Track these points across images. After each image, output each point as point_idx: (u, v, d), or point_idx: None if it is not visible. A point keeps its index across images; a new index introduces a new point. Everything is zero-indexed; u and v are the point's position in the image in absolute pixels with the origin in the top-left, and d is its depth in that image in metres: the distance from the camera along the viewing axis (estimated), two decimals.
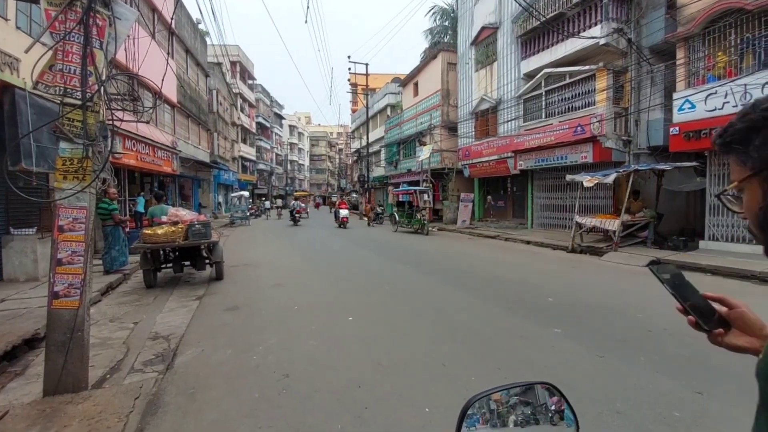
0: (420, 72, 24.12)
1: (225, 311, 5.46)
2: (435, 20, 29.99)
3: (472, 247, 12.38)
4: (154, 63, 13.54)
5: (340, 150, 76.95)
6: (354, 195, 41.95)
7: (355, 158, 42.95)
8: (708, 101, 9.21)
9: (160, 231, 6.52)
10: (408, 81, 26.13)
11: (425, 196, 18.04)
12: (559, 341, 4.18)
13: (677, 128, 9.75)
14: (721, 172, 9.46)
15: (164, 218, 6.94)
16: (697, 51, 9.85)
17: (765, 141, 0.62)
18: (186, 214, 7.13)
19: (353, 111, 44.00)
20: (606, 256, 9.47)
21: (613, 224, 9.94)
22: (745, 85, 8.56)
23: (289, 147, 59.97)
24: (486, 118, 18.14)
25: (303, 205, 24.90)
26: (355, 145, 41.33)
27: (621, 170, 10.15)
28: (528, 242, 12.58)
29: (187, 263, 7.48)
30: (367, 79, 30.23)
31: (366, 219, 18.07)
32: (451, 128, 21.03)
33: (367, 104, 30.81)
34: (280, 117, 57.05)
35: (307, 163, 72.50)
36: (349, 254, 10.92)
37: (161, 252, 7.26)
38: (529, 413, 0.76)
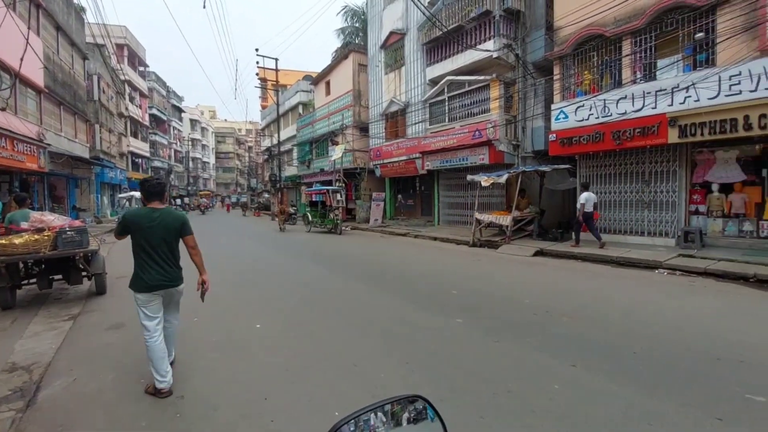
0: (332, 71, 23.98)
1: (107, 330, 4.78)
2: (346, 20, 30.07)
3: (384, 245, 12.72)
4: (11, 39, 11.31)
5: (250, 148, 72.88)
6: (266, 195, 40.13)
7: (266, 157, 41.06)
8: (577, 112, 10.76)
9: (18, 240, 5.45)
10: (320, 79, 25.80)
11: (338, 196, 18.02)
12: (461, 330, 4.51)
13: (555, 135, 11.23)
14: (588, 173, 11.16)
15: (24, 224, 5.82)
16: (570, 69, 11.43)
17: None
18: (54, 219, 6.06)
19: (263, 107, 42.00)
20: (501, 249, 10.52)
21: (505, 220, 11.08)
22: (605, 100, 10.19)
23: (190, 143, 54.85)
24: (396, 120, 18.77)
25: (206, 200, 27.35)
26: (266, 143, 39.51)
27: (511, 171, 11.36)
28: (435, 238, 13.37)
29: (59, 277, 6.39)
30: (277, 74, 29.08)
31: (277, 221, 17.31)
32: (363, 129, 21.33)
33: (277, 101, 29.64)
34: (179, 110, 51.92)
35: (212, 161, 67.17)
36: (258, 256, 10.42)
37: (21, 265, 6.08)
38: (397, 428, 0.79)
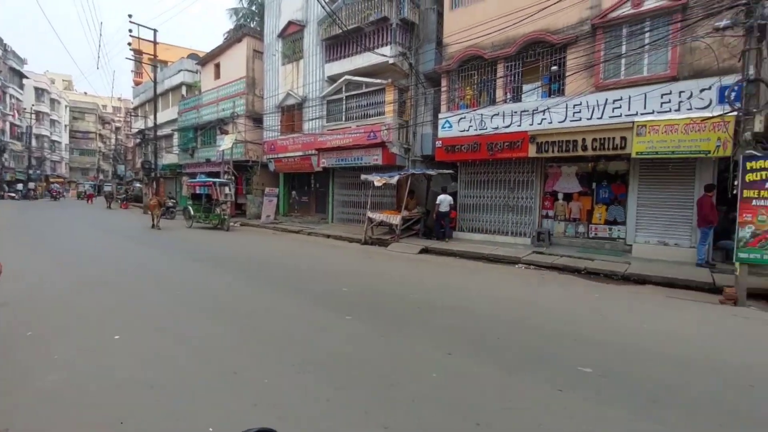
0: (223, 53, 22.09)
1: None
2: (241, 1, 28.00)
3: (275, 243, 12.26)
4: None
5: (118, 129, 62.77)
6: (137, 185, 35.02)
7: (138, 140, 35.80)
8: (460, 123, 11.90)
9: None
10: (208, 60, 23.53)
11: (227, 189, 16.74)
12: (351, 327, 4.62)
13: (440, 142, 12.23)
14: (467, 179, 12.45)
15: None
16: (455, 83, 12.56)
17: None
18: None
19: (136, 83, 36.48)
20: (390, 247, 11.07)
21: (395, 219, 11.71)
22: (482, 115, 11.47)
23: (34, 116, 44.71)
24: (292, 114, 18.21)
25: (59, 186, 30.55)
26: (139, 124, 34.47)
27: (402, 173, 12.03)
28: (328, 236, 13.40)
29: None
30: (155, 47, 25.54)
31: (151, 214, 15.12)
32: (257, 119, 20.19)
33: (155, 78, 26.07)
34: (19, 74, 42.03)
35: (65, 140, 55.89)
36: (124, 255, 9.05)
37: None
38: None
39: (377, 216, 12.36)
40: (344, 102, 15.21)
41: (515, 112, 10.85)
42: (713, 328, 5.08)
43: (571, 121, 9.90)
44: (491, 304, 5.78)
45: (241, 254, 9.93)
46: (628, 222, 9.71)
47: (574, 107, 9.85)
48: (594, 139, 9.56)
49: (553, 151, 10.23)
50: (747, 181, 6.15)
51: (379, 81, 13.96)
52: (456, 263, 9.33)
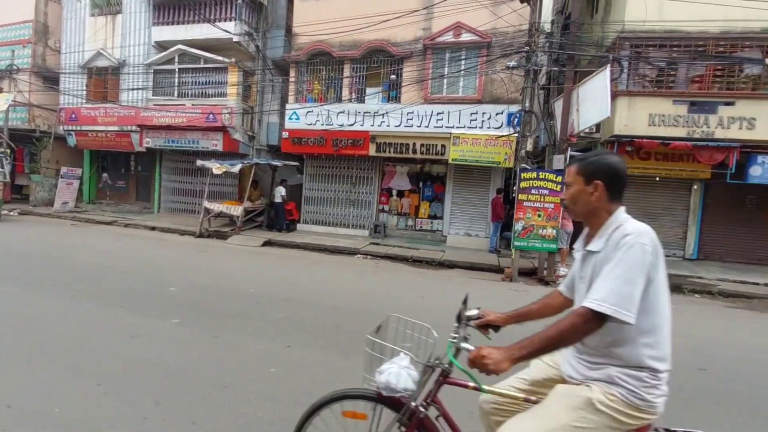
0: None
1: None
2: None
3: (77, 236, 10.00)
4: None
5: None
6: None
7: None
8: (307, 116, 11.99)
9: None
10: None
11: None
12: (177, 331, 4.22)
13: (287, 133, 12.09)
14: (313, 172, 12.68)
15: None
16: (304, 75, 12.54)
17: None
18: None
19: None
20: (230, 239, 10.41)
21: (237, 210, 11.06)
22: (329, 110, 11.82)
23: None
24: (104, 79, 14.96)
25: None
26: None
27: (245, 162, 11.43)
28: (154, 228, 11.68)
29: None
30: None
31: None
32: (50, 79, 15.84)
33: None
34: None
35: None
36: None
37: None
38: None
39: (216, 206, 11.40)
40: (177, 75, 13.37)
41: (359, 112, 11.57)
42: (495, 300, 6.62)
43: (405, 126, 11.16)
44: (330, 294, 6.13)
45: (21, 252, 7.78)
46: (444, 217, 11.60)
47: (407, 114, 11.13)
48: (422, 144, 11.03)
49: (389, 152, 11.35)
50: (521, 187, 8.15)
51: (220, 58, 12.78)
52: (299, 255, 9.45)
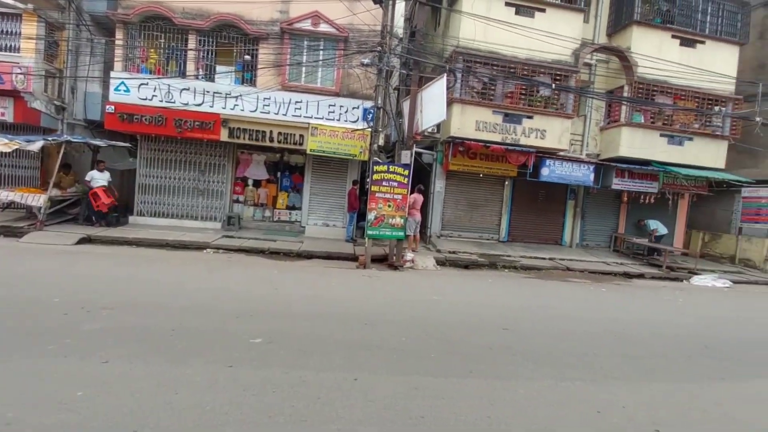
0: None
1: None
2: None
3: None
4: None
5: None
6: None
7: None
8: (141, 89, 10.25)
9: None
10: None
11: None
12: None
13: (113, 107, 10.10)
14: (149, 155, 10.98)
15: None
16: (135, 39, 10.62)
17: None
18: None
19: None
20: (27, 237, 8.19)
21: (38, 200, 8.75)
22: (169, 85, 10.33)
23: None
24: None
25: None
26: None
27: (51, 138, 9.10)
28: None
29: None
30: None
31: None
32: None
33: None
34: None
35: None
36: None
37: None
38: None
39: (4, 194, 8.81)
40: None
41: (208, 92, 10.45)
42: (348, 286, 6.96)
43: (261, 112, 10.58)
44: (169, 295, 5.48)
45: None
46: (303, 207, 11.54)
47: (264, 100, 10.58)
48: (280, 133, 10.67)
49: (244, 138, 10.62)
50: (374, 179, 8.68)
51: (11, 1, 9.79)
52: (128, 253, 8.11)
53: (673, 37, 11.70)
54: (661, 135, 11.79)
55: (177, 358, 3.55)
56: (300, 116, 10.70)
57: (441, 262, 9.58)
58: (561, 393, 3.47)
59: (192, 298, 5.37)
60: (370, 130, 9.79)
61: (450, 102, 10.53)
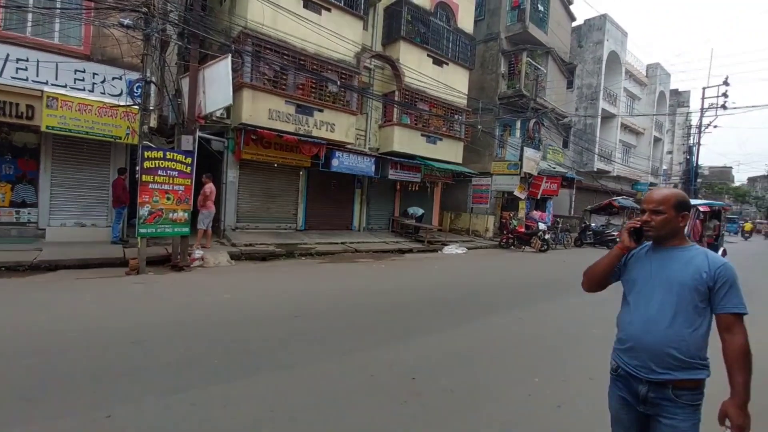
0: None
1: None
2: None
3: None
4: None
5: None
6: None
7: None
8: None
9: None
10: None
11: None
12: None
13: None
14: None
15: None
16: None
17: None
18: None
19: None
20: None
21: None
22: None
23: None
24: None
25: None
26: None
27: None
28: None
29: None
30: None
31: None
32: None
33: None
34: None
35: None
36: None
37: None
38: None
39: None
40: None
41: None
42: (115, 298, 5.72)
43: None
44: None
45: None
46: (40, 204, 8.71)
47: None
48: None
49: None
50: (145, 167, 7.36)
51: None
52: None
53: (428, 55, 14.41)
54: (422, 135, 14.46)
55: None
56: (26, 80, 7.99)
57: (236, 257, 9.07)
58: (343, 367, 3.85)
59: None
60: (137, 108, 8.19)
61: (239, 86, 9.94)
